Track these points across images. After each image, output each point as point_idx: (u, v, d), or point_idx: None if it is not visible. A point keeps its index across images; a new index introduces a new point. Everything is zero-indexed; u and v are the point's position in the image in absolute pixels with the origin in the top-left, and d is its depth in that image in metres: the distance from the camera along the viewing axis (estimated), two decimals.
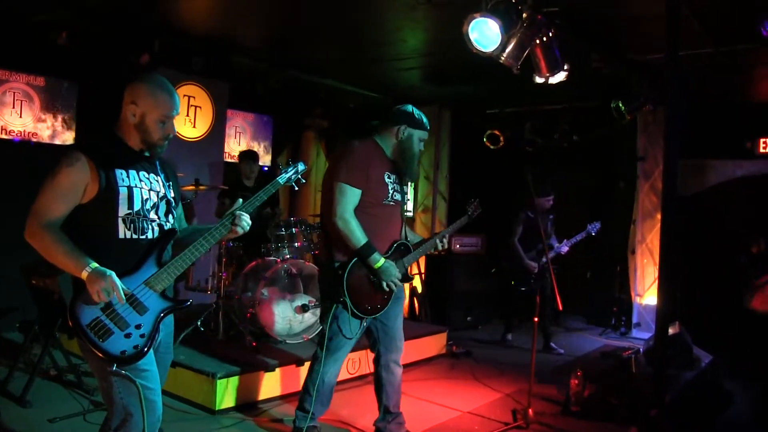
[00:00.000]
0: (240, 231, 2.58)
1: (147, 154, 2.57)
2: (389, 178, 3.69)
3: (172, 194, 2.66)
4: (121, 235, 2.44)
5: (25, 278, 4.54)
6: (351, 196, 3.52)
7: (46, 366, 4.69)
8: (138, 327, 2.40)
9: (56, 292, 4.24)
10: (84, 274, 2.29)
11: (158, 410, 2.50)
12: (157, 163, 2.64)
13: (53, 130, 6.40)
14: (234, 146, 8.12)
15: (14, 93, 6.13)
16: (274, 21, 6.00)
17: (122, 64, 6.11)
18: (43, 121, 6.33)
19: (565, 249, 6.71)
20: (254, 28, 6.31)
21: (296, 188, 2.93)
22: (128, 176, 2.47)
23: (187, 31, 6.24)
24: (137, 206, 2.46)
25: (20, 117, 6.17)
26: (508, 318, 7.33)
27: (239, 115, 8.24)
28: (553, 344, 6.91)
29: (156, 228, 2.53)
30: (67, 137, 6.47)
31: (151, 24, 6.00)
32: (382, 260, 3.57)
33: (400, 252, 3.75)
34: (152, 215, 2.52)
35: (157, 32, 6.16)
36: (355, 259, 3.54)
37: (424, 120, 3.76)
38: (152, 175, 2.57)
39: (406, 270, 3.77)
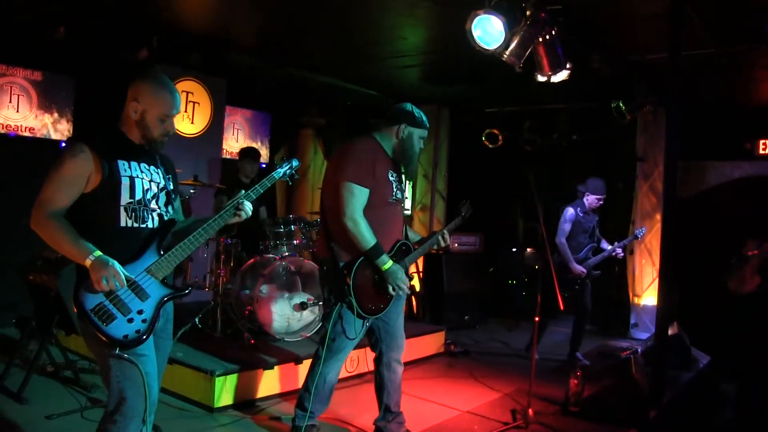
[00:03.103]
0: (243, 216, 2.67)
1: (147, 148, 2.65)
2: (392, 176, 3.66)
3: (172, 186, 2.74)
4: (123, 224, 2.51)
5: (21, 274, 4.51)
6: (360, 196, 3.48)
7: (42, 362, 4.65)
8: (140, 312, 2.48)
9: (53, 288, 4.20)
10: (87, 262, 2.36)
11: (154, 395, 2.56)
12: (157, 157, 2.72)
13: (50, 125, 6.36)
14: (232, 143, 8.09)
15: (11, 87, 6.09)
16: (272, 18, 5.96)
17: (120, 60, 6.07)
18: (40, 115, 6.29)
19: (620, 252, 6.29)
20: (252, 25, 6.27)
21: (290, 183, 3.07)
22: (130, 167, 2.55)
23: (186, 27, 6.20)
24: (138, 195, 2.54)
25: (17, 111, 6.13)
26: (543, 327, 6.37)
27: (237, 112, 8.21)
28: (579, 354, 6.31)
29: (156, 217, 2.62)
30: (64, 132, 6.43)
31: (149, 20, 5.97)
32: (390, 262, 3.54)
33: (402, 252, 3.72)
34: (153, 205, 2.60)
35: (156, 28, 6.12)
36: (361, 259, 3.51)
37: (424, 119, 3.76)
38: (152, 167, 2.66)
39: (407, 269, 3.73)
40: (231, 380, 4.41)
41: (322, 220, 3.73)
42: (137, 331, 2.46)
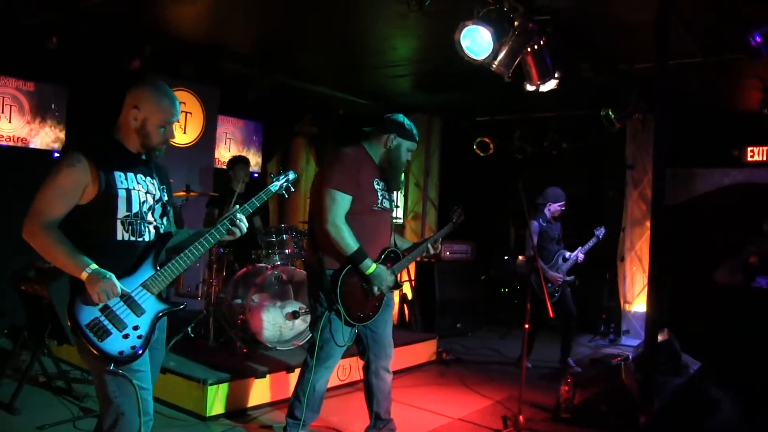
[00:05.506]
0: (238, 233, 2.65)
1: (144, 157, 2.62)
2: (378, 184, 3.69)
3: (166, 197, 2.72)
4: (119, 237, 2.49)
5: (14, 284, 4.51)
6: (342, 203, 3.52)
7: (35, 372, 4.64)
8: (135, 328, 2.46)
9: (45, 297, 4.21)
10: (84, 275, 2.34)
11: (150, 409, 2.56)
12: (152, 166, 2.69)
13: (43, 136, 6.36)
14: (224, 152, 8.11)
15: (3, 98, 6.09)
16: (264, 27, 6.02)
17: (113, 70, 6.09)
18: (33, 126, 6.29)
19: (581, 257, 6.32)
20: (245, 34, 6.31)
21: (287, 196, 2.97)
22: (126, 178, 2.52)
23: (178, 36, 6.23)
24: (135, 208, 2.52)
25: (9, 122, 6.13)
26: (531, 340, 6.39)
27: (229, 121, 8.23)
28: (570, 361, 6.37)
29: (152, 230, 2.59)
30: (57, 143, 6.44)
31: (142, 29, 5.98)
32: (374, 266, 3.58)
33: (390, 259, 3.75)
34: (149, 217, 2.58)
35: (148, 38, 6.13)
36: (349, 266, 3.54)
37: (414, 131, 3.78)
38: (148, 177, 2.63)
39: (396, 277, 3.77)
40: (223, 389, 4.42)
41: (310, 228, 3.77)
42: (133, 347, 2.44)
